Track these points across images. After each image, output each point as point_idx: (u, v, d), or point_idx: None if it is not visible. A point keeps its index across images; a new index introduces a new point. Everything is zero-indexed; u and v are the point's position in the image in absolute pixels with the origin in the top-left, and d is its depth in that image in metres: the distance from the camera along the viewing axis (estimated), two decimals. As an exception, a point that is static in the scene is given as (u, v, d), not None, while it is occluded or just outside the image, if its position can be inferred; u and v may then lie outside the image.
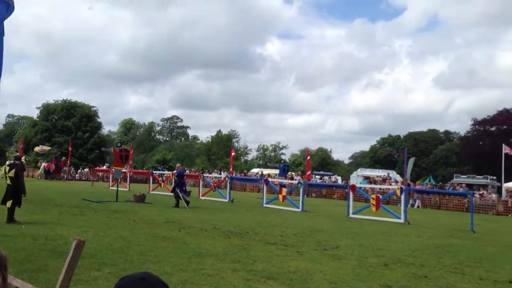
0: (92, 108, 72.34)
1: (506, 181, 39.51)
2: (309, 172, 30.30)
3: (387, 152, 75.74)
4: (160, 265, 7.51)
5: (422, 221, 20.36)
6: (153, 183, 32.22)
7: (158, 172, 36.66)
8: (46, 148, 49.83)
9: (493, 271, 9.10)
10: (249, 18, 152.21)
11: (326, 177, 50.53)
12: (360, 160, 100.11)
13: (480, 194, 32.07)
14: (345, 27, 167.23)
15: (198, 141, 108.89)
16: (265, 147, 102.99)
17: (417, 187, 33.29)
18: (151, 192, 29.75)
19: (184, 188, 21.83)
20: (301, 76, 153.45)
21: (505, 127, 62.96)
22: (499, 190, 39.50)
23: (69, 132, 66.06)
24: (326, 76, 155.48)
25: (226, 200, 25.91)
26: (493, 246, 13.27)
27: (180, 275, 6.91)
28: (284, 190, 24.10)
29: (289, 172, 44.02)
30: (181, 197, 20.85)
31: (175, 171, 24.01)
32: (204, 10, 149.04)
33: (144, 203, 21.29)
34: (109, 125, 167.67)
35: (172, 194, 22.12)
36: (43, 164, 43.90)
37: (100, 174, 46.45)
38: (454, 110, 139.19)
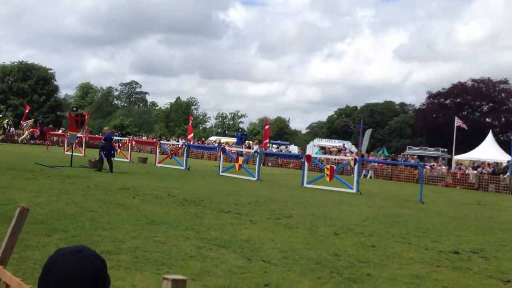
0: (49, 71, 70.52)
1: (456, 154, 40.76)
2: (266, 141, 30.53)
3: (344, 123, 76.69)
4: (112, 232, 7.51)
5: (374, 191, 20.90)
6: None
7: (115, 138, 36.20)
8: (30, 122, 48.50)
9: (438, 241, 9.45)
10: None
11: (282, 147, 50.97)
12: (317, 130, 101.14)
13: (430, 166, 33.05)
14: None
15: (156, 108, 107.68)
16: (224, 115, 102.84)
17: (371, 158, 33.97)
18: (106, 158, 29.42)
19: (112, 152, 21.09)
20: (263, 44, 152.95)
21: (458, 100, 64.47)
22: (449, 162, 40.76)
23: (25, 94, 64.36)
24: (289, 45, 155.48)
25: (183, 168, 25.89)
26: (440, 217, 13.75)
27: (131, 242, 6.94)
28: (241, 159, 24.28)
29: (247, 141, 44.22)
30: (107, 161, 20.26)
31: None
32: None
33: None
34: (68, 89, 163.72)
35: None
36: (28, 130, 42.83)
37: (55, 138, 45.55)
38: (412, 82, 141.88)
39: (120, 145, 31.34)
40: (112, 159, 20.47)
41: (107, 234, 7.33)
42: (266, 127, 29.50)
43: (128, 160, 29.06)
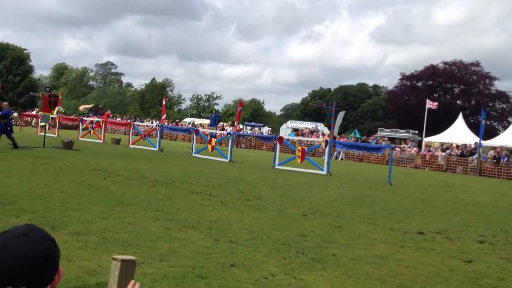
0: (24, 51, 69.36)
1: (427, 136, 41.45)
2: (236, 123, 30.66)
3: (317, 105, 77.11)
4: (82, 213, 7.56)
5: (344, 173, 21.21)
6: (82, 129, 31.61)
7: (88, 118, 35.90)
8: (89, 106, 47.80)
9: (404, 222, 9.68)
10: None
11: (256, 128, 51.11)
12: (292, 112, 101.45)
13: (400, 148, 33.56)
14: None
15: (132, 89, 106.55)
16: (199, 96, 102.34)
17: (342, 140, 34.34)
18: (80, 138, 29.24)
19: (9, 129, 19.91)
20: (242, 26, 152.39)
21: (430, 82, 65.28)
22: (420, 144, 41.43)
23: (-1, 74, 63.35)
24: (267, 27, 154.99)
25: (156, 149, 25.85)
26: (406, 198, 14.08)
27: (100, 223, 7.00)
28: (214, 141, 24.34)
29: (221, 123, 44.26)
30: (7, 137, 19.56)
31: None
32: None
33: (72, 149, 20.93)
34: (44, 70, 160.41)
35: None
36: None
37: (29, 119, 44.94)
38: (387, 64, 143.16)
39: (94, 125, 31.12)
40: (11, 134, 19.78)
41: (77, 215, 7.38)
42: (239, 108, 29.56)
43: (101, 141, 28.91)
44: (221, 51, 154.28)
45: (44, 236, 1.60)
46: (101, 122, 31.78)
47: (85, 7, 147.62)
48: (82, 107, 52.24)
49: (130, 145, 27.59)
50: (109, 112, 47.00)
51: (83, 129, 31.55)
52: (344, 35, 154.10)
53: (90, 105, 52.31)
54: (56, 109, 38.47)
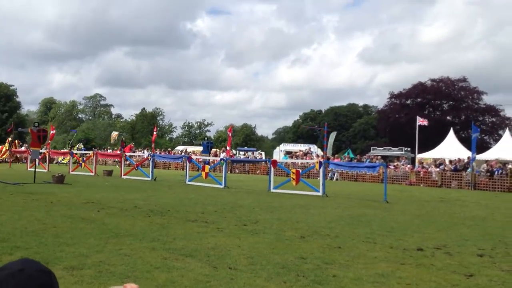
0: (10, 88, 69.44)
1: (419, 153, 41.55)
2: (228, 149, 30.64)
3: (309, 127, 77.37)
4: (76, 247, 7.42)
5: (339, 193, 21.12)
6: (73, 163, 31.41)
7: (78, 152, 35.73)
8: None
9: (402, 239, 9.60)
10: None
11: (249, 153, 51.04)
12: (284, 135, 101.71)
13: (394, 166, 33.58)
14: (275, 2, 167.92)
15: (122, 120, 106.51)
16: (190, 124, 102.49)
17: (335, 160, 34.31)
18: (71, 172, 29.03)
19: None
20: (230, 53, 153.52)
21: (419, 100, 65.72)
22: (413, 161, 41.50)
23: (-14, 112, 63.42)
24: (255, 52, 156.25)
25: (149, 179, 25.70)
26: (403, 215, 14.00)
27: (96, 256, 6.86)
28: (207, 167, 24.24)
29: (214, 149, 44.20)
30: None
31: None
32: None
33: (64, 184, 20.75)
34: (32, 105, 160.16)
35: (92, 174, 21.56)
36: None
37: (19, 155, 44.68)
38: (376, 84, 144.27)
39: (85, 159, 30.95)
40: None
41: (71, 250, 7.23)
42: (229, 134, 29.52)
43: (93, 174, 28.71)
44: (211, 78, 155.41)
45: (40, 269, 1.56)
46: (91, 155, 31.65)
47: (72, 41, 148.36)
48: (114, 134, 52.13)
49: (123, 176, 27.40)
50: (132, 144, 46.89)
51: (74, 163, 31.37)
52: (332, 57, 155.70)
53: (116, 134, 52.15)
54: (77, 145, 38.49)
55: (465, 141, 42.52)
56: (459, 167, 30.82)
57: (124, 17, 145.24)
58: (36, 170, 22.66)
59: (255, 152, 53.31)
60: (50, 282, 1.57)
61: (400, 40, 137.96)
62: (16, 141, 44.42)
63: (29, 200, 13.96)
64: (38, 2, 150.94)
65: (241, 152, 52.52)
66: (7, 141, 43.89)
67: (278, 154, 50.21)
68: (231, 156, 32.16)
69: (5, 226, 9.10)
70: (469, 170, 29.64)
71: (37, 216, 10.57)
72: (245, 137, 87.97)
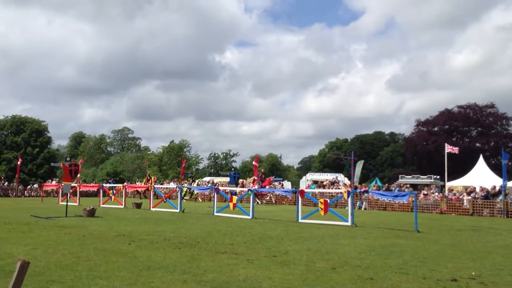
0: (42, 123, 71.08)
1: (449, 180, 40.97)
2: (255, 179, 30.69)
3: (335, 156, 77.04)
4: (109, 280, 7.51)
5: (368, 222, 20.90)
6: (103, 196, 31.79)
7: (108, 185, 36.18)
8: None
9: (436, 269, 9.44)
10: (209, 27, 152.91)
11: (276, 183, 50.92)
12: (310, 165, 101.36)
13: (424, 194, 33.13)
14: (303, 33, 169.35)
15: (149, 152, 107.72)
16: (216, 155, 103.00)
17: (363, 189, 34.03)
18: (101, 205, 29.35)
19: None
20: (258, 83, 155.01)
21: (446, 127, 65.12)
22: (442, 189, 40.91)
23: (18, 147, 64.70)
24: (283, 82, 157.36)
25: (177, 211, 25.83)
26: (436, 244, 13.77)
27: (129, 289, 6.95)
28: (235, 198, 24.28)
29: (240, 180, 44.27)
30: None
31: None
32: (165, 21, 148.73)
33: (95, 217, 21.00)
34: (63, 139, 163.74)
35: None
36: None
37: (49, 189, 45.43)
38: (405, 111, 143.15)
39: (114, 191, 31.31)
40: None
41: (105, 283, 7.32)
42: (255, 164, 29.57)
43: (122, 206, 28.99)
44: (238, 109, 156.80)
45: None
46: (121, 187, 31.98)
47: (103, 77, 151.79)
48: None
49: (152, 208, 27.60)
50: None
51: (104, 196, 31.76)
52: (360, 85, 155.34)
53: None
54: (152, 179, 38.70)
55: (496, 168, 41.84)
56: (490, 195, 30.27)
57: (154, 51, 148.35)
58: (68, 203, 23.00)
59: (282, 182, 53.22)
60: None
61: (428, 67, 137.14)
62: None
63: (62, 233, 14.16)
64: (71, 38, 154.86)
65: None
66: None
67: (305, 183, 50.03)
68: (261, 187, 32.13)
69: (40, 260, 9.25)
70: (501, 197, 29.08)
71: (70, 250, 10.72)
72: (271, 166, 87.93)
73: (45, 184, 46.51)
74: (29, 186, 49.70)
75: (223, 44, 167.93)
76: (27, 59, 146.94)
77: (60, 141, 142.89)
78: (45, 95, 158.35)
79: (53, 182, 47.04)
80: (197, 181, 46.66)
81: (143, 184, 36.29)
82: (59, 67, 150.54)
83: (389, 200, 27.20)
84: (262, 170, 52.28)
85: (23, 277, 2.28)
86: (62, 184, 27.94)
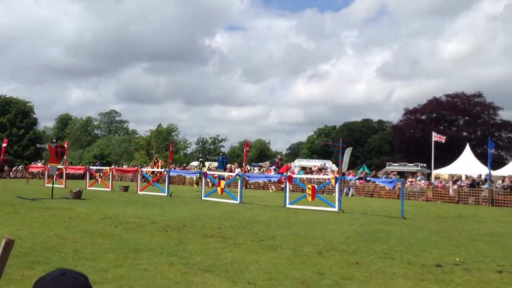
0: (27, 104, 70.29)
1: (435, 168, 41.22)
2: (244, 164, 30.71)
3: (323, 143, 77.25)
4: (96, 262, 7.49)
5: (355, 209, 21.01)
6: (90, 179, 31.65)
7: (95, 167, 36.01)
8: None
9: (421, 255, 9.54)
10: (199, 10, 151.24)
11: (264, 168, 50.92)
12: (298, 151, 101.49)
13: (410, 181, 33.34)
14: (295, 18, 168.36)
15: (137, 136, 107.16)
16: (204, 140, 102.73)
17: (351, 176, 34.17)
18: (88, 188, 29.22)
19: None
20: (248, 68, 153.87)
21: (434, 115, 65.37)
22: (429, 177, 41.18)
23: (3, 128, 64.01)
24: (273, 68, 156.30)
25: (165, 194, 25.80)
26: (421, 231, 13.87)
27: (115, 271, 6.92)
28: (223, 183, 24.27)
29: (228, 164, 44.23)
30: None
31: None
32: (155, 2, 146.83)
33: (81, 199, 20.93)
34: (49, 121, 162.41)
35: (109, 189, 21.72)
36: None
37: (35, 171, 45.06)
38: (394, 99, 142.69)
39: (101, 174, 31.17)
40: None
41: (91, 264, 7.30)
42: (245, 149, 29.54)
43: (109, 189, 28.89)
44: (228, 93, 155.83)
45: (79, 273, 1.67)
46: (108, 170, 31.85)
47: (91, 58, 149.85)
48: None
49: (139, 192, 27.53)
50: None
51: (90, 178, 31.62)
52: (350, 72, 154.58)
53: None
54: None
55: (482, 157, 42.14)
56: (476, 183, 30.52)
57: (144, 33, 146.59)
58: (54, 185, 22.87)
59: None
60: (90, 284, 1.66)
61: (419, 55, 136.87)
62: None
63: (47, 215, 14.10)
64: (58, 18, 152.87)
65: (255, 168, 52.46)
66: None
67: (293, 169, 50.09)
68: (246, 172, 32.13)
69: (25, 241, 9.20)
70: (486, 186, 29.34)
71: (56, 232, 10.68)
72: (260, 152, 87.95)
73: (30, 165, 46.12)
74: (14, 168, 49.23)
75: (214, 27, 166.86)
76: (13, 38, 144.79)
77: (46, 122, 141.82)
78: (32, 76, 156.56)
79: (39, 164, 46.66)
80: (207, 164, 46.11)
81: (149, 168, 35.96)
82: (46, 47, 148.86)
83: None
84: (279, 156, 52.24)
85: (8, 255, 2.24)
86: (48, 166, 27.74)
